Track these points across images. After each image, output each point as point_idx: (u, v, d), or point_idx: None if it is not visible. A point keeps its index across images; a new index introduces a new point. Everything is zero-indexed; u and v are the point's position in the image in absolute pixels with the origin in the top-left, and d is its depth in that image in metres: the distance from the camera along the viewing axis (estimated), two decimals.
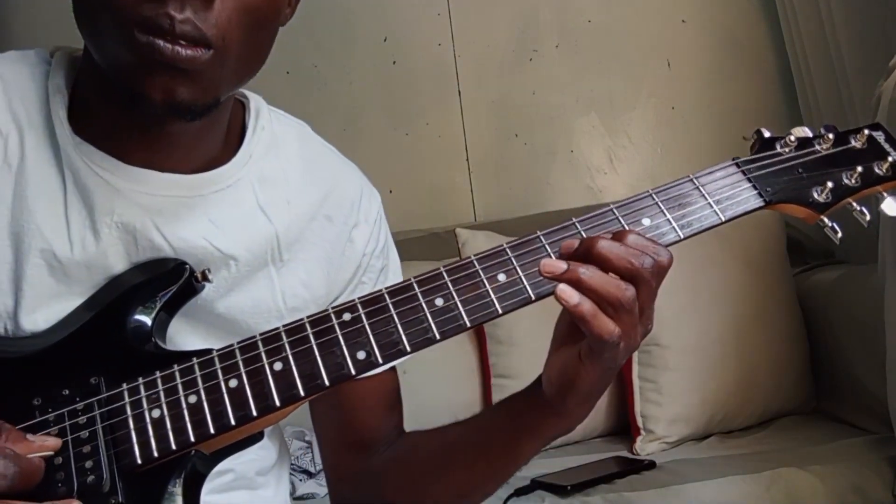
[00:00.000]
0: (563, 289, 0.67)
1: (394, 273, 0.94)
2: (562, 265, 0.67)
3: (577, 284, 0.67)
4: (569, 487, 1.53)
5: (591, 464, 1.68)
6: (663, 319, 1.92)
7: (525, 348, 1.85)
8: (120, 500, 0.65)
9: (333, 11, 2.37)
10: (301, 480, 1.69)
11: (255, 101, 0.87)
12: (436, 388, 1.82)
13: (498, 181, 2.48)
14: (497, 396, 1.87)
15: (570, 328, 0.73)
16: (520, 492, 1.54)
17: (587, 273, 0.67)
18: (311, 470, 1.72)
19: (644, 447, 1.82)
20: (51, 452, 0.65)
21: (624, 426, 1.93)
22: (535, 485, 1.56)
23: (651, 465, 1.65)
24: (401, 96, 2.46)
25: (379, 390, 0.91)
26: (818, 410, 1.98)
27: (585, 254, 0.68)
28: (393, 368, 0.91)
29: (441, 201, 2.44)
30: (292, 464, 1.06)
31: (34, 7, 2.37)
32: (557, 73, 2.49)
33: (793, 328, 1.98)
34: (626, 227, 0.73)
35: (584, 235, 0.72)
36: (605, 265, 0.67)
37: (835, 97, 2.21)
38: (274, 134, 0.86)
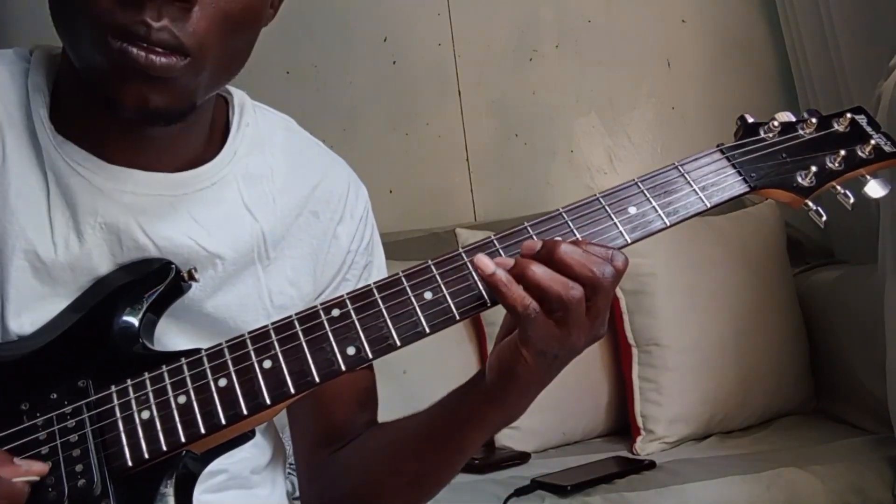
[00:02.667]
0: (480, 257, 0.68)
1: (378, 270, 0.93)
2: (509, 261, 0.68)
3: (522, 278, 0.67)
4: (569, 487, 1.53)
5: (591, 464, 1.68)
6: (663, 319, 1.93)
7: None
8: (111, 502, 0.65)
9: (333, 11, 2.37)
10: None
11: (239, 98, 0.85)
12: (436, 387, 1.81)
13: (498, 181, 2.48)
14: None
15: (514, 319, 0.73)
16: (520, 492, 1.54)
17: (534, 269, 0.67)
18: None
19: (644, 447, 1.82)
20: (37, 478, 0.64)
21: (624, 426, 1.93)
22: (535, 485, 1.56)
23: (651, 465, 1.65)
24: (401, 96, 2.46)
25: (354, 387, 0.90)
26: (818, 410, 1.98)
27: (547, 257, 0.68)
28: (370, 367, 0.90)
29: (441, 201, 2.44)
30: (290, 464, 1.06)
31: (34, 7, 2.37)
32: (557, 73, 2.49)
33: (793, 328, 1.98)
34: (612, 215, 0.74)
35: (572, 226, 0.73)
36: (565, 271, 0.68)
37: (835, 97, 2.21)
38: (259, 130, 0.85)
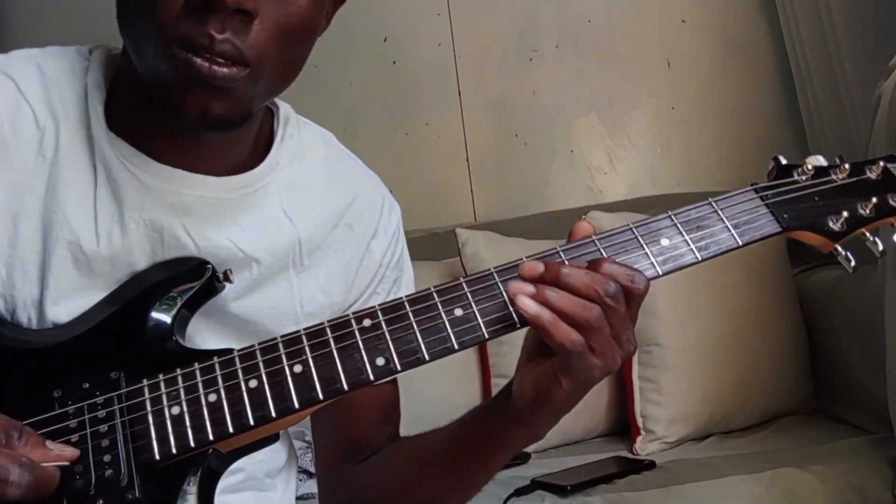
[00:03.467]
0: (523, 300, 0.68)
1: (406, 285, 0.95)
2: (530, 288, 0.69)
3: (546, 304, 0.68)
4: (569, 487, 1.53)
5: (591, 464, 1.68)
6: (663, 319, 1.93)
7: None
8: (137, 495, 0.65)
9: None
10: (301, 480, 1.69)
11: (285, 110, 0.88)
12: (436, 388, 1.82)
13: (498, 181, 2.48)
14: None
15: (540, 342, 0.74)
16: (520, 492, 1.54)
17: (554, 295, 0.68)
18: (312, 470, 1.71)
19: (644, 447, 1.82)
20: (67, 463, 0.64)
21: (624, 426, 1.93)
22: (535, 485, 1.56)
23: (651, 465, 1.65)
24: (401, 96, 2.46)
25: (379, 401, 0.92)
26: (818, 410, 1.98)
27: (553, 281, 0.69)
28: (395, 381, 0.92)
29: (441, 201, 2.44)
30: (299, 467, 1.06)
31: (34, 7, 2.38)
32: (557, 73, 2.49)
33: (793, 328, 1.98)
34: (644, 245, 0.74)
35: (603, 253, 0.74)
36: (573, 293, 0.68)
37: (835, 97, 2.21)
38: (301, 142, 0.88)
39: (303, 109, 0.91)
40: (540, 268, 0.70)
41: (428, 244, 2.10)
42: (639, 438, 1.84)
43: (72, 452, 0.65)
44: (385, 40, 2.45)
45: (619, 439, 1.93)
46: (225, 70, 0.68)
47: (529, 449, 1.83)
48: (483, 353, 1.93)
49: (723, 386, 1.87)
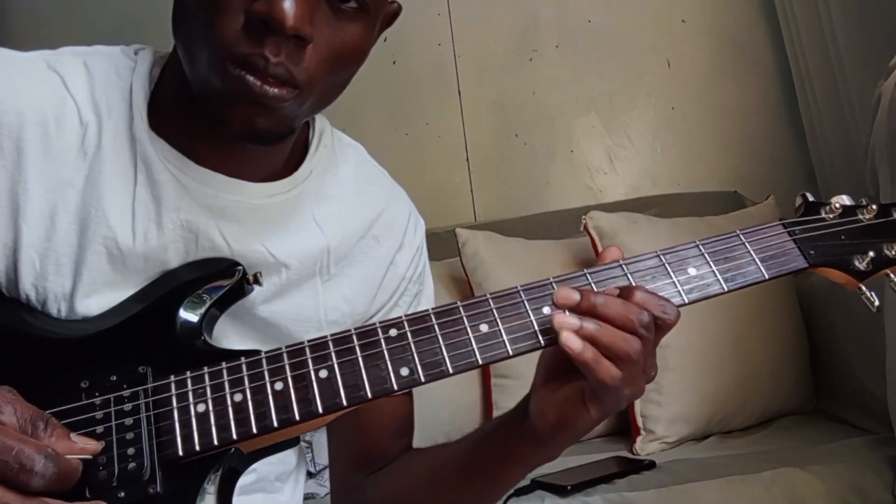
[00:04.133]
0: (567, 337, 0.69)
1: (426, 299, 0.96)
2: (575, 322, 0.69)
3: (592, 341, 0.69)
4: (569, 487, 1.53)
5: (591, 464, 1.68)
6: None
7: None
8: (158, 489, 0.66)
9: None
10: None
11: (321, 122, 0.90)
12: (436, 388, 1.81)
13: (498, 181, 2.48)
14: (497, 396, 1.87)
15: (560, 364, 0.74)
16: (520, 492, 1.54)
17: (597, 329, 0.69)
18: (311, 470, 1.72)
19: (644, 447, 1.82)
20: (90, 456, 0.65)
21: (624, 426, 1.93)
22: (535, 485, 1.56)
23: (651, 465, 1.65)
24: (401, 96, 2.46)
25: (395, 413, 0.93)
26: (818, 410, 1.98)
27: (589, 310, 0.70)
28: (410, 394, 0.93)
29: (441, 201, 2.45)
30: (308, 471, 1.07)
31: (34, 7, 2.38)
32: (557, 73, 2.49)
33: (793, 328, 1.98)
34: (672, 273, 0.75)
35: (631, 279, 0.74)
36: (607, 322, 0.69)
37: (834, 97, 2.21)
38: (334, 153, 0.89)
39: None
40: (575, 296, 0.71)
41: (428, 244, 2.08)
42: (639, 438, 1.84)
43: (95, 445, 0.65)
44: (385, 40, 2.43)
45: (619, 439, 1.93)
46: (276, 90, 0.69)
47: None
48: None
49: (723, 386, 1.87)
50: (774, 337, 1.95)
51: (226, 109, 0.71)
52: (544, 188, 2.49)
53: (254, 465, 0.78)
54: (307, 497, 1.66)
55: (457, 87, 2.47)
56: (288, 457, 0.90)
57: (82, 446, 0.64)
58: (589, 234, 1.95)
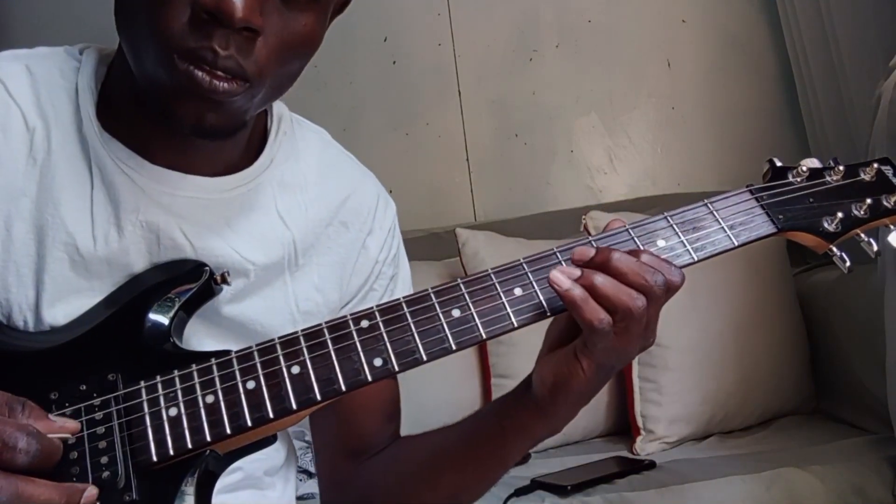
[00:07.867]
0: (556, 274, 0.69)
1: (403, 281, 0.95)
2: (575, 271, 0.69)
3: (591, 290, 0.68)
4: (569, 487, 1.53)
5: (591, 464, 1.68)
6: (663, 319, 1.91)
7: (525, 348, 1.84)
8: (134, 496, 0.65)
9: None
10: (301, 480, 1.69)
11: (278, 108, 0.88)
12: (436, 388, 1.82)
13: (498, 181, 2.48)
14: (497, 396, 1.86)
15: (562, 333, 0.74)
16: (520, 492, 1.54)
17: (601, 280, 0.68)
18: (312, 470, 1.71)
19: (644, 447, 1.82)
20: (69, 435, 0.65)
21: (624, 426, 1.93)
22: (535, 485, 1.56)
23: (651, 465, 1.65)
24: (401, 96, 2.46)
25: (379, 398, 0.92)
26: (818, 410, 1.98)
27: (602, 264, 0.69)
28: (395, 378, 0.91)
29: (441, 201, 2.45)
30: (299, 467, 1.07)
31: (34, 7, 2.38)
32: (557, 73, 2.49)
33: (793, 328, 1.98)
34: (642, 248, 0.74)
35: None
36: (619, 278, 0.69)
37: (835, 97, 2.21)
38: (295, 140, 0.87)
39: (303, 109, 0.92)
40: (590, 251, 0.70)
41: (428, 244, 2.10)
42: (639, 438, 1.84)
43: (74, 425, 0.65)
44: (385, 40, 2.45)
45: (619, 439, 1.93)
46: (225, 85, 0.68)
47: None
48: (483, 353, 1.93)
49: (723, 386, 1.87)
50: (774, 337, 1.95)
51: (175, 105, 0.69)
52: (544, 188, 2.49)
53: (239, 464, 0.77)
54: (307, 497, 1.66)
55: (457, 87, 2.47)
56: (276, 451, 0.89)
57: (61, 425, 0.64)
58: (589, 234, 1.95)
